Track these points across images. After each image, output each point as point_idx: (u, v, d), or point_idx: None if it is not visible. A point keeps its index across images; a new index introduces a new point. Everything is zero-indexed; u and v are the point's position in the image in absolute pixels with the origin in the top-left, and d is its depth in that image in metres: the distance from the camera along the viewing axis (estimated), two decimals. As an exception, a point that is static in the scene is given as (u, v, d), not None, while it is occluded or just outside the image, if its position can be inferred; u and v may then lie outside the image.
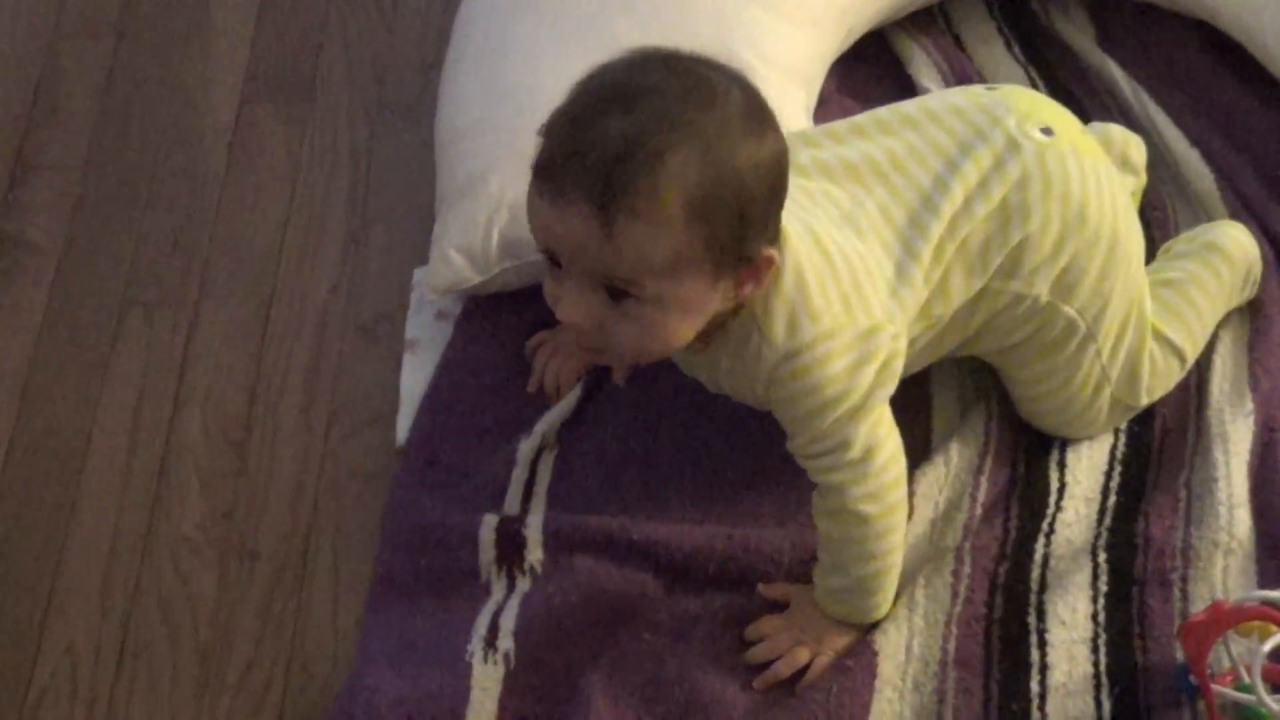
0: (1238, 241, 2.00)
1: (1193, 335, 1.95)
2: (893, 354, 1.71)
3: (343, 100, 2.43)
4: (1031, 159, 1.77)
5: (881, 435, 1.72)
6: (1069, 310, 1.81)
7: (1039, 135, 1.79)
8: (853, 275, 1.69)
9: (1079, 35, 2.33)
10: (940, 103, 1.84)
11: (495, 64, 2.14)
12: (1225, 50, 2.29)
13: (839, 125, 1.84)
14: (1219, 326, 2.01)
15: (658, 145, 1.52)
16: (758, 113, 1.58)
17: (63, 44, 2.54)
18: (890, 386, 1.72)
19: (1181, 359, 1.95)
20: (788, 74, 2.13)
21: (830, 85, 2.27)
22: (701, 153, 1.53)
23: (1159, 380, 1.94)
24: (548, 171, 1.57)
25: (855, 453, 1.71)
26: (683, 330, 1.63)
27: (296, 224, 2.30)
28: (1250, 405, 1.94)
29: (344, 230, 2.29)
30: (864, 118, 1.85)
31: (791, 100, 2.11)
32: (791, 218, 1.67)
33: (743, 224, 1.57)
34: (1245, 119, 2.21)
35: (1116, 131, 2.09)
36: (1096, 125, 2.09)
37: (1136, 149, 2.09)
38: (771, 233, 1.62)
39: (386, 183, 2.33)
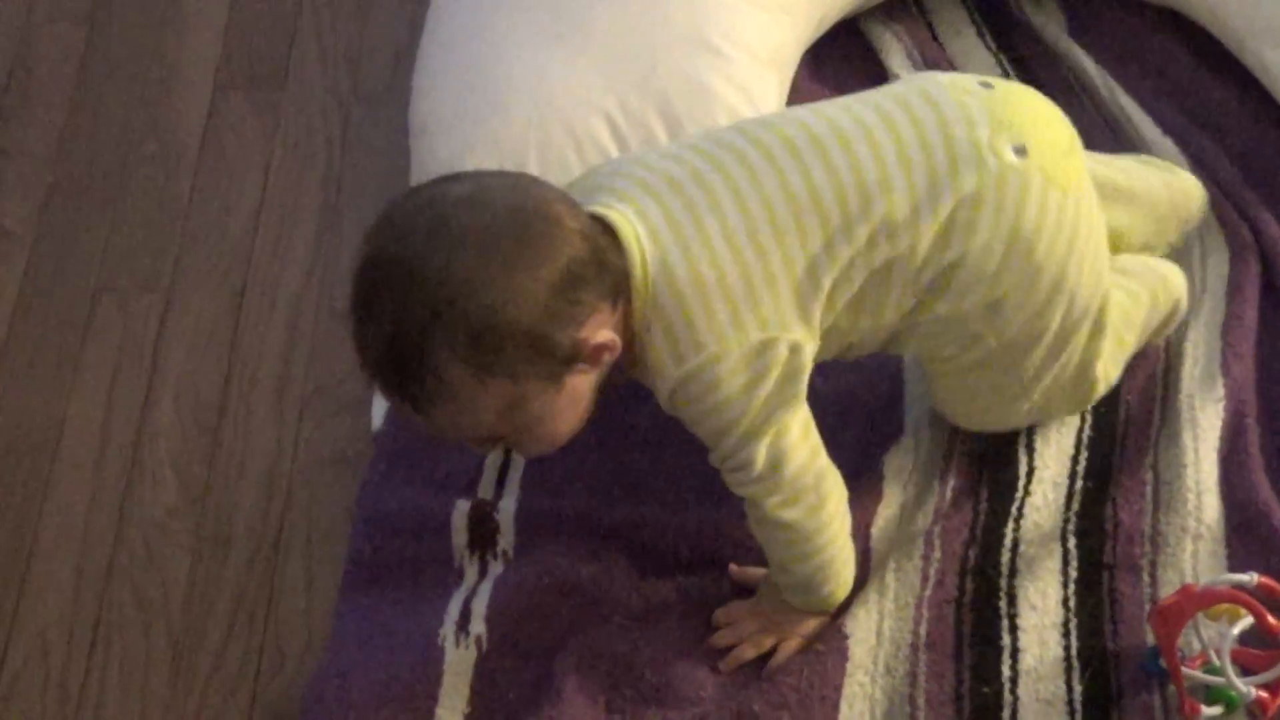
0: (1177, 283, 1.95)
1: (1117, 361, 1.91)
2: (794, 369, 1.67)
3: (316, 88, 2.43)
4: (990, 183, 1.68)
5: (788, 445, 1.68)
6: (993, 343, 1.75)
7: (1009, 155, 1.69)
8: (747, 286, 1.64)
9: (1050, 24, 2.33)
10: (916, 94, 1.74)
11: (469, 51, 2.14)
12: (1195, 38, 2.30)
13: (796, 110, 1.78)
14: (1191, 313, 2.01)
15: (417, 339, 1.55)
16: (510, 232, 1.56)
17: (36, 31, 2.53)
18: (794, 404, 1.68)
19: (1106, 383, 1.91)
20: (760, 60, 2.14)
21: (802, 73, 2.27)
22: (456, 320, 1.54)
23: (1088, 397, 1.90)
24: (361, 366, 1.64)
25: (760, 468, 1.68)
26: (568, 424, 1.66)
27: (270, 211, 2.30)
28: (1221, 391, 1.94)
29: (317, 217, 2.29)
30: (828, 103, 1.77)
31: (765, 85, 2.11)
32: (670, 239, 1.64)
33: (539, 342, 1.57)
34: (1216, 106, 2.22)
35: (1182, 180, 2.03)
36: (1156, 161, 2.05)
37: (1197, 201, 2.03)
38: (584, 322, 1.59)
39: (360, 170, 2.33)
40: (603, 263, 1.60)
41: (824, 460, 1.73)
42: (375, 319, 1.58)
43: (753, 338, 1.64)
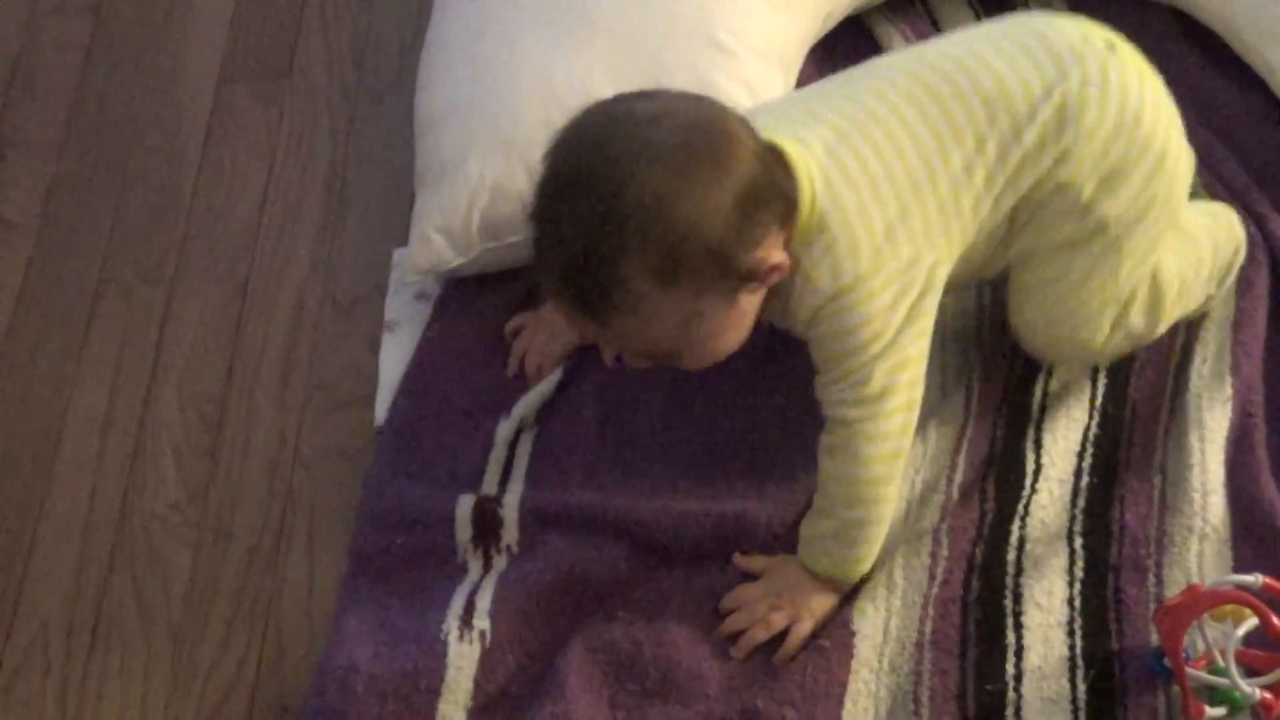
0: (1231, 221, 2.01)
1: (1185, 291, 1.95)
2: (927, 286, 1.74)
3: (321, 80, 2.43)
4: (1094, 67, 1.78)
5: (900, 380, 1.74)
6: (1106, 211, 1.80)
7: (1102, 48, 1.80)
8: (900, 205, 1.72)
9: (1057, 23, 2.33)
10: (996, 21, 1.86)
11: (475, 44, 2.14)
12: (1201, 38, 2.29)
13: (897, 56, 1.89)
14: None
15: (607, 249, 1.59)
16: (700, 148, 1.61)
17: (41, 22, 2.53)
18: (919, 325, 1.74)
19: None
20: (766, 57, 2.13)
21: (808, 70, 2.26)
22: (648, 232, 1.58)
23: (1157, 318, 1.92)
24: (540, 276, 1.67)
25: (872, 389, 1.73)
26: (732, 339, 1.72)
27: (274, 204, 2.30)
28: (1229, 391, 1.94)
29: (321, 211, 2.28)
30: (935, 41, 1.88)
31: (770, 82, 2.11)
32: (831, 165, 1.70)
33: (723, 259, 1.62)
34: (1222, 106, 2.22)
35: None
36: None
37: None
38: (761, 242, 1.65)
39: (364, 163, 2.33)
40: (775, 184, 1.65)
41: (914, 420, 1.78)
42: (566, 231, 1.61)
43: (904, 253, 1.72)
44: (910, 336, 1.74)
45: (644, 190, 1.58)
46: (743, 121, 1.67)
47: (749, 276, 1.65)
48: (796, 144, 1.71)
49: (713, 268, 1.62)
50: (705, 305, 1.65)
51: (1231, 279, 2.01)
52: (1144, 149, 1.80)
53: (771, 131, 1.71)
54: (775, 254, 1.66)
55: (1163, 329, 1.94)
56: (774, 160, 1.67)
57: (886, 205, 1.72)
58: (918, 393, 1.77)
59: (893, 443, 1.76)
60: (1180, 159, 1.85)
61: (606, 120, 1.64)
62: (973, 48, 1.80)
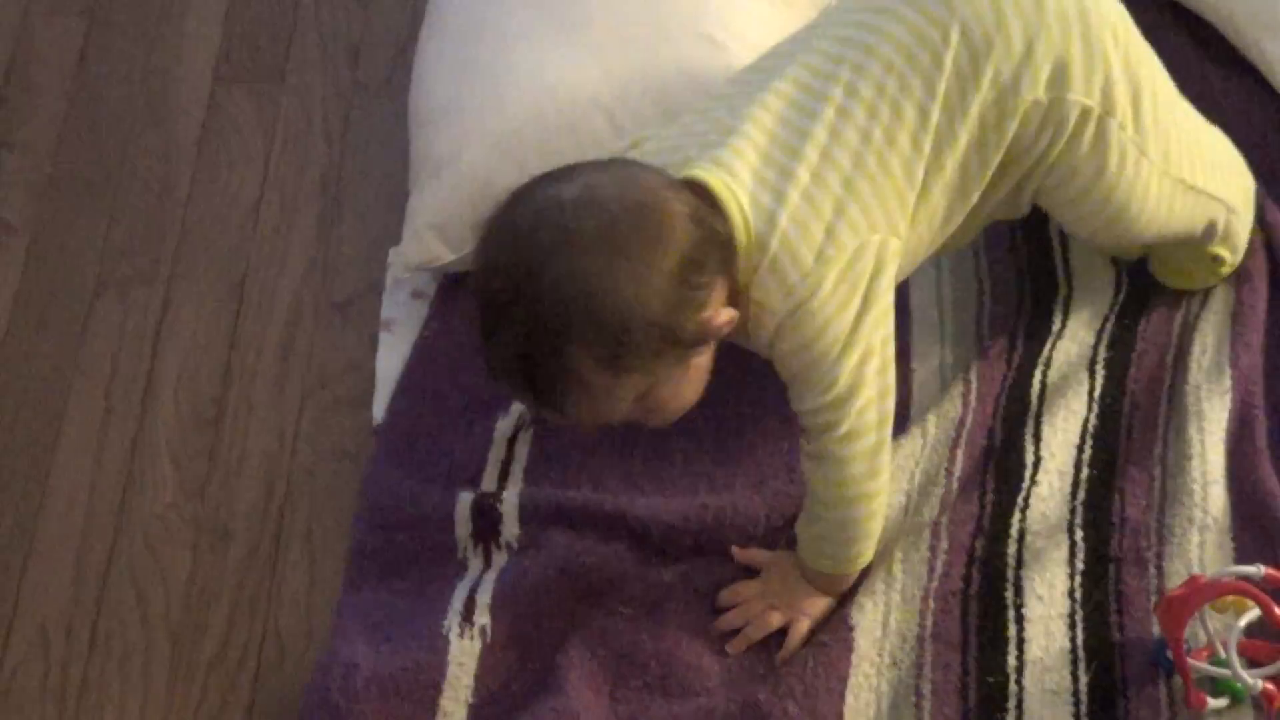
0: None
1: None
2: (878, 268, 1.70)
3: (316, 79, 2.43)
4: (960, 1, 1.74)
5: (867, 373, 1.71)
6: (1073, 97, 1.77)
7: None
8: (832, 199, 1.68)
9: (1053, 16, 2.33)
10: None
11: (468, 42, 2.14)
12: (1198, 32, 2.30)
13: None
14: (1200, 303, 2.02)
15: (552, 345, 1.58)
16: (629, 227, 1.58)
17: (35, 23, 2.53)
18: (876, 310, 1.70)
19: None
20: (759, 52, 2.12)
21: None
22: (590, 322, 1.57)
23: (1204, 157, 1.90)
24: (489, 368, 1.66)
25: (841, 389, 1.70)
26: (691, 395, 1.71)
27: (270, 203, 2.30)
28: (1228, 382, 1.94)
29: (317, 209, 2.28)
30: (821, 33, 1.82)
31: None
32: (760, 186, 1.67)
33: (669, 332, 1.60)
34: (1219, 98, 2.22)
35: None
36: None
37: None
38: (706, 304, 1.63)
39: (360, 161, 2.33)
40: (713, 238, 1.62)
41: (890, 407, 1.75)
42: (508, 330, 1.59)
43: (848, 245, 1.68)
44: (870, 325, 1.70)
45: (578, 282, 1.56)
46: (667, 182, 1.63)
47: (698, 340, 1.64)
48: (719, 173, 1.67)
49: (660, 343, 1.60)
50: (658, 377, 1.64)
51: (1251, 222, 2.00)
52: (1065, 27, 1.75)
53: (692, 164, 1.68)
54: (723, 313, 1.64)
55: (1210, 190, 1.91)
56: (704, 207, 1.64)
57: (821, 208, 1.68)
58: (889, 379, 1.74)
59: (871, 437, 1.73)
60: (1103, 3, 1.80)
61: (534, 213, 1.60)
62: (860, 18, 1.76)
